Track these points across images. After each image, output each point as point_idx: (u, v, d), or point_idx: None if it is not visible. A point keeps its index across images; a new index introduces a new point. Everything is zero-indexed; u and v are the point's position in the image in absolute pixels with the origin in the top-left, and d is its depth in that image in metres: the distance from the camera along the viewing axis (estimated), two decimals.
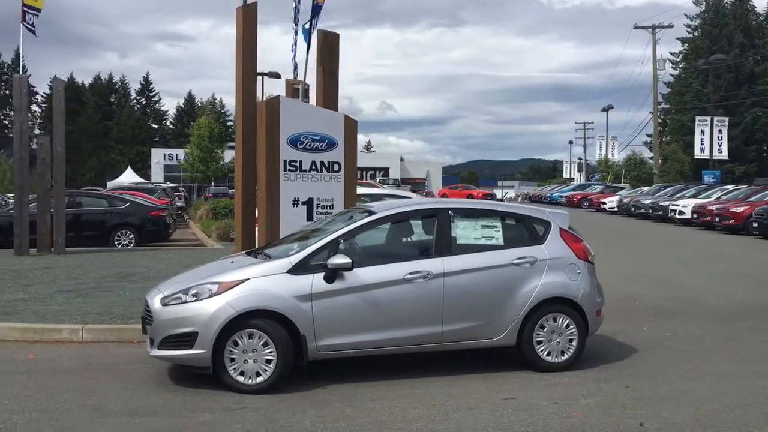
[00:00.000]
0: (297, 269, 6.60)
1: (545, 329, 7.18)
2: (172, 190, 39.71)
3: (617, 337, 8.85)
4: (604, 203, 41.14)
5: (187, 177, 62.92)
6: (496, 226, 7.35)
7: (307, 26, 10.80)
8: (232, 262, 7.18)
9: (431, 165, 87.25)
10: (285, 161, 10.38)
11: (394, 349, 6.89)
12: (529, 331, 7.12)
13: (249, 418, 5.73)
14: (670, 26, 52.86)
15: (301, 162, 10.47)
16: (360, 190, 13.90)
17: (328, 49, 11.33)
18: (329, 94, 11.38)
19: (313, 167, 10.57)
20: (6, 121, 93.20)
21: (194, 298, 6.47)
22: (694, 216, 27.31)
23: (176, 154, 72.04)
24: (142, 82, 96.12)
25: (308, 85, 11.80)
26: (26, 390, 6.45)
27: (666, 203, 31.06)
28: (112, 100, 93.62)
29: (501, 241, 7.28)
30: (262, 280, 6.52)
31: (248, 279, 6.54)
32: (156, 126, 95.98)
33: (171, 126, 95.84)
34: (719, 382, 6.90)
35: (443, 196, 45.91)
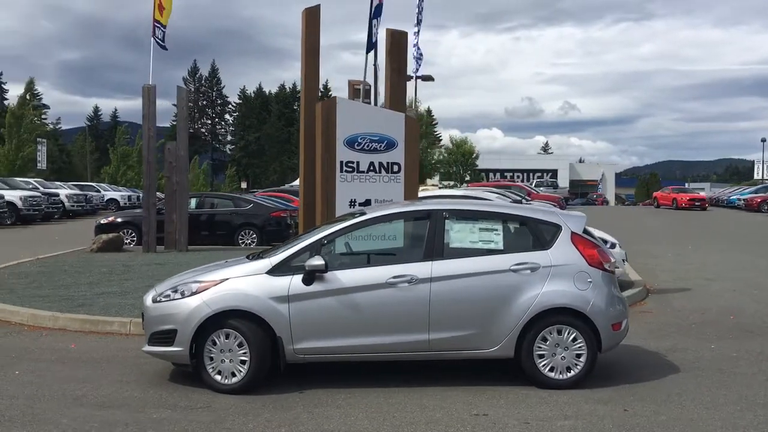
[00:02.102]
0: (276, 270, 6.56)
1: (548, 342, 6.60)
2: None
3: (668, 354, 7.96)
4: None
5: None
6: (496, 230, 6.86)
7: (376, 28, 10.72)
8: (226, 262, 7.27)
9: (606, 167, 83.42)
10: (341, 162, 10.39)
11: (378, 356, 6.65)
12: (528, 343, 6.57)
13: (199, 418, 5.78)
14: None
15: (358, 163, 10.43)
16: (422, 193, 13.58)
17: (396, 47, 11.20)
18: (397, 93, 11.24)
19: (371, 168, 10.49)
20: (203, 129, 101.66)
21: (178, 296, 6.62)
22: None
23: None
24: (322, 90, 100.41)
25: (369, 85, 11.72)
26: (31, 376, 6.94)
27: None
28: (295, 107, 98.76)
29: (500, 246, 6.78)
30: (241, 281, 6.55)
31: (228, 279, 6.59)
32: None
33: None
34: (743, 412, 5.98)
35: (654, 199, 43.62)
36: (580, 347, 6.61)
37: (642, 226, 29.23)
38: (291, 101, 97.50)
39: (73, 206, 36.06)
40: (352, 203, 10.36)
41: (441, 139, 56.60)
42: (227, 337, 6.44)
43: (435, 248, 6.67)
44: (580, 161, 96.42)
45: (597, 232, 12.35)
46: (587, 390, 6.54)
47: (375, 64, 24.46)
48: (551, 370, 6.60)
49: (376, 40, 11.00)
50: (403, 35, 11.30)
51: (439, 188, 36.14)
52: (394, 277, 6.50)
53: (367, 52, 11.13)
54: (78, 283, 12.09)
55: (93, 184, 47.10)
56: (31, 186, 35.56)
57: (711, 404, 6.20)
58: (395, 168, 10.55)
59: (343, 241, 6.95)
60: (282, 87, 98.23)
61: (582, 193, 72.31)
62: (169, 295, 6.70)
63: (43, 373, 7.13)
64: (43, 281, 12.33)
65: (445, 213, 6.85)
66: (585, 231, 7.01)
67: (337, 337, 6.51)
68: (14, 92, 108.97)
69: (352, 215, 7.25)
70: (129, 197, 43.04)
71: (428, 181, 48.93)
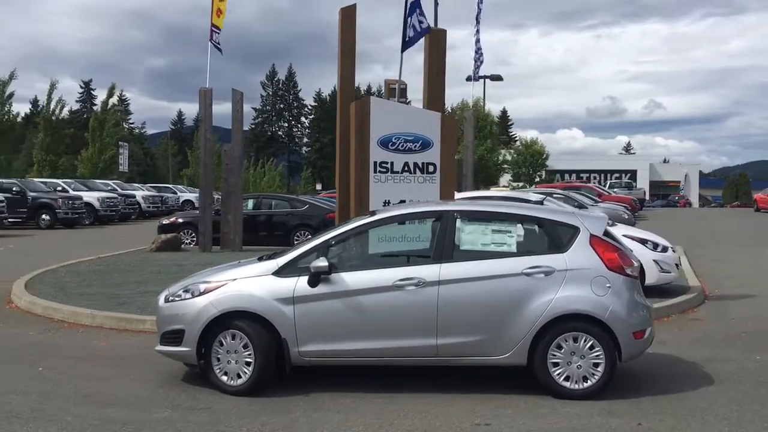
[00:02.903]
0: (282, 271, 6.49)
1: (563, 350, 6.29)
2: None
3: (707, 365, 7.50)
4: None
5: None
6: (510, 232, 6.59)
7: (419, 25, 10.49)
8: (239, 262, 7.24)
9: (689, 167, 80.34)
10: (375, 163, 10.27)
11: (385, 361, 6.49)
12: (542, 351, 6.28)
13: (197, 419, 5.77)
14: None
15: (392, 163, 10.29)
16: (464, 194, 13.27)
17: (435, 46, 11.00)
18: (436, 92, 11.04)
19: (406, 168, 10.32)
20: (280, 132, 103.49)
21: (188, 296, 6.63)
22: None
23: None
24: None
25: (405, 84, 11.53)
26: (53, 373, 7.11)
27: None
28: None
29: (513, 248, 6.51)
30: (248, 282, 6.51)
31: (235, 279, 6.57)
32: None
33: None
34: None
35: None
36: (597, 356, 6.27)
37: (719, 229, 27.94)
38: None
39: (149, 207, 37.25)
40: (386, 204, 10.21)
41: (515, 140, 55.71)
42: (233, 338, 6.41)
43: (445, 250, 6.47)
44: (665, 161, 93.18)
45: (646, 235, 11.83)
46: (604, 401, 6.20)
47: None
48: (566, 379, 6.29)
49: (410, 39, 10.80)
50: (442, 33, 11.10)
51: (510, 190, 35.59)
52: (401, 280, 6.33)
53: (402, 50, 10.95)
54: (126, 282, 12.39)
55: (170, 185, 48.55)
56: (109, 188, 36.91)
57: (736, 421, 5.76)
58: (431, 168, 10.35)
59: (352, 242, 6.81)
60: (357, 90, 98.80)
61: (663, 194, 69.90)
62: (180, 295, 6.73)
63: (65, 369, 7.28)
64: (94, 280, 12.70)
65: (456, 214, 6.63)
66: (606, 233, 6.66)
67: (343, 341, 6.38)
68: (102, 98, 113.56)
69: (363, 216, 7.12)
70: None
71: (500, 182, 48.32)
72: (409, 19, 10.62)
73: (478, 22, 20.37)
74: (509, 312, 6.28)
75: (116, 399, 6.30)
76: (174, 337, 6.59)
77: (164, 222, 19.83)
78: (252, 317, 6.38)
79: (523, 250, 6.53)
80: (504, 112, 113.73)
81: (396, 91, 11.57)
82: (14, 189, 29.59)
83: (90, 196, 32.27)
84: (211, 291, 6.53)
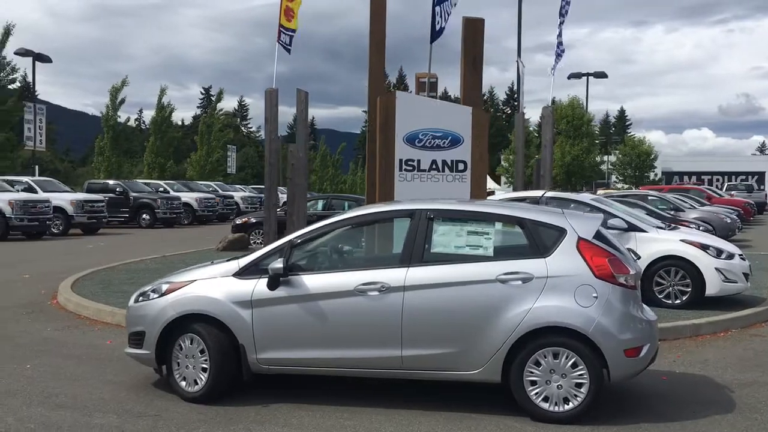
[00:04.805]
0: (243, 273, 6.10)
1: (541, 367, 5.55)
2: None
3: (738, 389, 6.54)
4: None
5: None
6: (487, 233, 5.89)
7: (447, 11, 9.85)
8: (212, 262, 6.90)
9: None
10: (401, 160, 9.72)
11: (348, 372, 5.96)
12: (517, 367, 5.57)
13: (134, 427, 5.48)
14: None
15: (419, 161, 9.71)
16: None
17: (472, 37, 10.31)
18: (472, 85, 10.36)
19: (434, 166, 9.72)
20: None
21: (154, 296, 6.37)
22: None
23: None
24: (507, 92, 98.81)
25: (436, 78, 10.86)
26: (36, 371, 7.04)
27: None
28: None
29: (490, 252, 5.82)
30: (208, 283, 6.17)
31: (195, 280, 6.24)
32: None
33: (535, 132, 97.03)
34: None
35: None
36: (580, 375, 5.50)
37: None
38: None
39: (247, 208, 38.09)
40: None
41: (620, 141, 53.18)
42: (191, 342, 6.09)
43: (414, 253, 5.87)
44: None
45: (710, 239, 10.66)
46: (588, 427, 5.43)
47: (519, 60, 23.31)
48: (545, 400, 5.55)
49: (441, 29, 10.17)
50: (480, 23, 10.39)
51: (618, 190, 33.79)
52: (364, 284, 5.79)
53: (431, 41, 10.34)
54: None
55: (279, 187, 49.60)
56: (210, 189, 38.06)
57: None
58: (460, 166, 9.69)
59: (320, 242, 6.33)
60: None
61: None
62: (148, 296, 6.48)
63: (50, 369, 7.20)
64: (142, 278, 12.82)
65: (429, 213, 6.01)
66: (599, 236, 5.84)
67: (303, 348, 5.92)
68: (228, 104, 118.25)
69: (335, 214, 6.63)
70: None
71: (609, 184, 46.18)
72: (438, 8, 10.00)
73: (562, 16, 19.27)
74: (481, 323, 5.61)
75: (73, 401, 6.11)
76: (137, 339, 6.35)
77: (237, 222, 20.02)
78: (209, 320, 6.04)
79: (500, 253, 5.84)
80: (622, 112, 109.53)
81: (426, 84, 10.95)
82: (118, 189, 31.03)
83: (189, 197, 33.38)
84: (172, 292, 6.24)
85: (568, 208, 11.05)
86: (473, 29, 10.35)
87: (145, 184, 33.94)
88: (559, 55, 20.09)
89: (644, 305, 6.17)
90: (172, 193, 33.01)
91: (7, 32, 32.90)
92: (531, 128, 44.82)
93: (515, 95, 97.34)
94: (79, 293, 11.14)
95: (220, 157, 50.31)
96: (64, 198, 25.80)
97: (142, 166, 48.39)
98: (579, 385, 5.50)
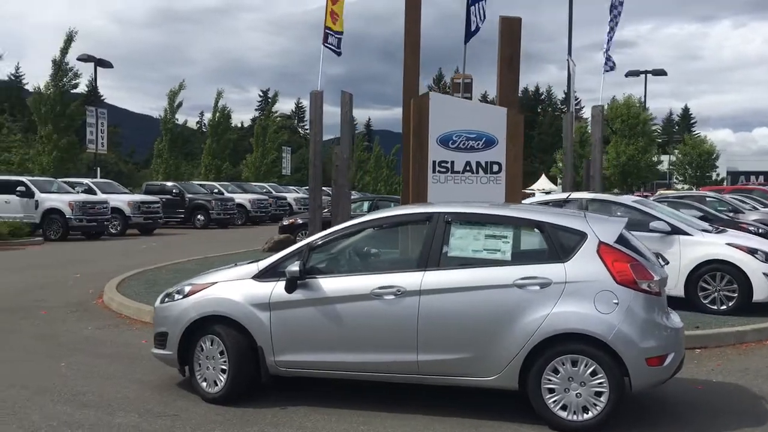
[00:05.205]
0: (263, 275, 6.14)
1: (559, 375, 5.42)
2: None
3: None
4: None
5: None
6: (505, 237, 5.78)
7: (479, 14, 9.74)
8: (235, 264, 6.96)
9: None
10: (434, 162, 9.65)
11: (364, 376, 5.93)
12: (535, 375, 5.45)
13: (152, 427, 5.57)
14: None
15: (452, 163, 9.62)
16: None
17: (508, 36, 10.17)
18: (508, 85, 10.21)
19: (468, 168, 9.61)
20: None
21: (178, 298, 6.46)
22: None
23: None
24: (566, 91, 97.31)
25: (471, 78, 10.74)
26: (70, 370, 7.22)
27: None
28: (538, 110, 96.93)
29: (507, 256, 5.70)
30: (228, 285, 6.22)
31: (217, 282, 6.31)
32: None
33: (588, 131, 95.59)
34: None
35: None
36: (600, 384, 5.35)
37: None
38: (533, 105, 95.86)
39: (300, 209, 38.41)
40: None
41: (680, 141, 51.68)
42: (212, 343, 6.16)
43: (430, 257, 5.80)
44: None
45: (758, 243, 10.25)
46: None
47: (569, 59, 22.86)
48: (563, 408, 5.42)
49: (476, 29, 10.05)
50: (516, 22, 10.23)
51: (676, 191, 32.89)
52: (380, 288, 5.76)
53: (465, 41, 10.23)
54: None
55: (326, 188, 49.95)
56: (264, 190, 38.56)
57: None
58: (495, 168, 9.56)
59: (339, 245, 6.32)
60: (525, 90, 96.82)
61: None
62: (173, 297, 6.58)
63: (83, 367, 7.38)
64: (185, 278, 13.03)
65: (447, 216, 5.94)
66: (622, 240, 5.66)
67: (320, 352, 5.92)
68: (286, 106, 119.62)
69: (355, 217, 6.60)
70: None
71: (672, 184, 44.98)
72: (473, 7, 9.89)
73: (614, 8, 18.81)
74: (497, 328, 5.51)
75: (99, 400, 6.24)
76: (161, 339, 6.46)
77: (284, 223, 20.21)
78: (228, 322, 6.09)
79: (518, 258, 5.72)
80: (686, 110, 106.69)
81: (461, 85, 10.86)
82: (174, 191, 31.71)
83: (242, 198, 33.90)
84: (194, 293, 6.33)
85: (610, 211, 10.90)
86: (509, 28, 10.20)
87: (201, 185, 34.59)
88: (608, 61, 19.67)
89: (671, 312, 5.97)
90: (226, 195, 33.57)
91: (70, 39, 33.98)
92: (589, 128, 43.83)
93: (575, 93, 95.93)
94: (123, 293, 11.41)
95: (275, 159, 50.98)
96: (121, 199, 26.50)
97: (200, 167, 49.41)
98: (599, 394, 5.35)
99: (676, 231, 10.22)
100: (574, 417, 5.39)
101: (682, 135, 68.65)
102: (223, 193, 33.90)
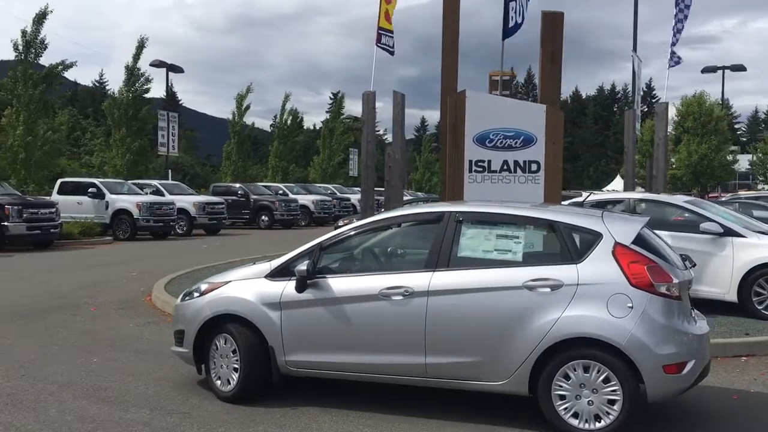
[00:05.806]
0: (275, 274, 6.11)
1: (570, 381, 5.19)
2: None
3: None
4: None
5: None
6: (517, 237, 5.57)
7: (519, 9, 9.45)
8: (253, 262, 6.95)
9: None
10: (471, 161, 9.46)
11: (374, 378, 5.82)
12: (545, 380, 5.24)
13: (161, 423, 5.60)
14: None
15: (489, 162, 9.41)
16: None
17: (550, 31, 9.89)
18: (550, 82, 9.93)
19: (505, 167, 9.39)
20: None
21: (196, 296, 6.51)
22: None
23: None
24: (645, 88, 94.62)
25: (509, 76, 10.42)
26: (99, 365, 7.37)
27: None
28: (615, 109, 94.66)
29: (519, 257, 5.50)
30: (241, 284, 6.23)
31: (230, 281, 6.32)
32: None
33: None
34: None
35: None
36: (613, 391, 5.09)
37: None
38: (609, 103, 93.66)
39: None
40: None
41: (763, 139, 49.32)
42: (225, 342, 6.17)
43: (440, 257, 5.65)
44: None
45: None
46: None
47: (634, 55, 22.16)
48: (575, 416, 5.18)
49: (515, 25, 9.79)
50: (559, 16, 9.93)
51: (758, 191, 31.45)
52: (388, 288, 5.64)
53: (504, 38, 9.98)
54: None
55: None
56: (328, 191, 38.87)
57: None
58: (533, 167, 9.30)
59: (350, 245, 6.23)
60: (600, 89, 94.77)
61: None
62: (192, 295, 6.63)
63: (113, 363, 7.53)
64: None
65: (458, 216, 5.77)
66: (640, 240, 5.37)
67: (329, 352, 5.85)
68: (357, 108, 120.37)
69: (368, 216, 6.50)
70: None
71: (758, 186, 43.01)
72: (513, 3, 9.65)
73: (681, 1, 18.08)
74: (506, 331, 5.32)
75: (117, 395, 6.34)
76: (179, 337, 6.52)
77: (339, 223, 20.25)
78: (240, 321, 6.09)
79: (529, 258, 5.51)
80: (756, 112, 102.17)
81: (499, 82, 10.58)
82: (239, 192, 32.32)
83: (306, 199, 34.26)
84: (209, 292, 6.36)
85: (660, 212, 10.47)
86: (552, 23, 9.92)
87: (266, 187, 35.12)
88: (673, 55, 18.94)
89: (699, 316, 5.65)
90: (291, 196, 33.98)
91: (141, 45, 35.04)
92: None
93: (652, 91, 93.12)
94: (170, 291, 11.63)
95: (342, 160, 51.39)
96: (187, 200, 27.15)
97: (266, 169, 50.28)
98: (612, 402, 5.10)
99: (728, 232, 9.72)
100: (586, 425, 5.15)
101: (765, 134, 65.67)
102: (287, 195, 34.34)
